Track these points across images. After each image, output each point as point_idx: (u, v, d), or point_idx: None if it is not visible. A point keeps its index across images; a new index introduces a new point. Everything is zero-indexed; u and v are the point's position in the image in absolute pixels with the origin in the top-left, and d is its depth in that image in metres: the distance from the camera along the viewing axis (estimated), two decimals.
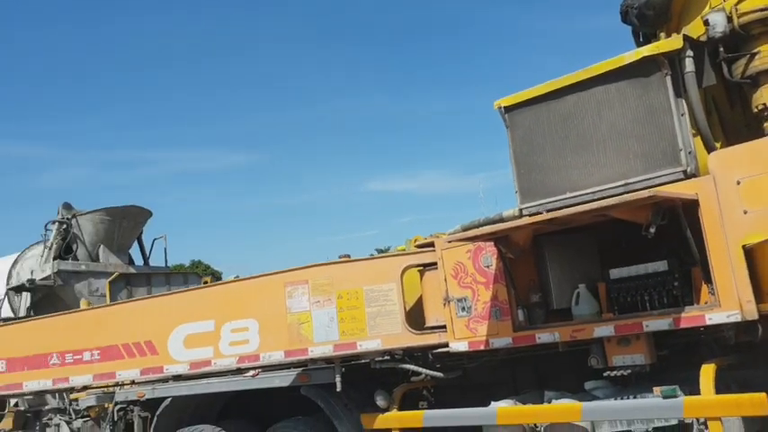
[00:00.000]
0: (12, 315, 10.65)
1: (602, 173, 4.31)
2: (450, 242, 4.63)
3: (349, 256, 5.33)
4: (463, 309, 4.77)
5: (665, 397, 3.89)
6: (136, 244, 12.31)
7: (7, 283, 11.11)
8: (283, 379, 5.77)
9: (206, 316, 5.41)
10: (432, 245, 5.09)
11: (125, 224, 11.59)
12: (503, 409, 4.54)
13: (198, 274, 13.92)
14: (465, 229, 4.86)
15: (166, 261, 12.29)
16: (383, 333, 4.92)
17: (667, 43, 4.18)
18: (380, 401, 5.19)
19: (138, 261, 12.22)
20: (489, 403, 4.73)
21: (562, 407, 4.35)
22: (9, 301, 10.95)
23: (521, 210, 4.63)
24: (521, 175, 4.65)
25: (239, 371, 5.94)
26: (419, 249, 5.20)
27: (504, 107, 4.72)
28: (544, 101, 4.58)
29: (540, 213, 4.32)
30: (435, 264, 4.99)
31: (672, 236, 4.05)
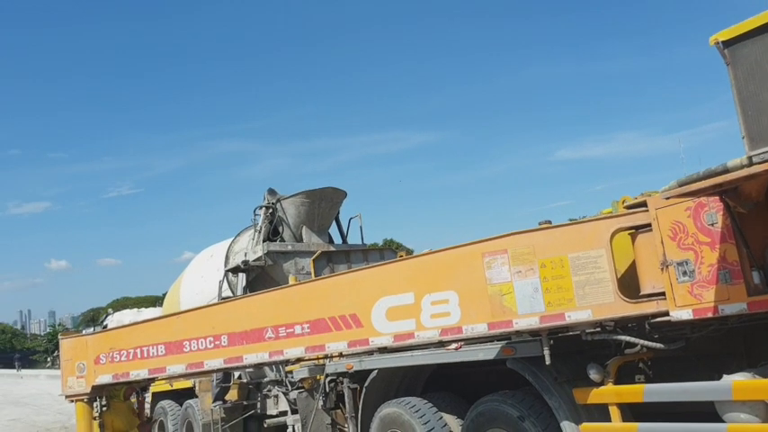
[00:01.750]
0: (231, 294, 11.54)
1: None
2: (667, 198, 4.17)
3: (550, 222, 5.02)
4: (685, 273, 4.29)
5: None
6: (334, 224, 12.77)
7: (225, 266, 12.05)
8: (487, 352, 5.63)
9: (405, 288, 5.39)
10: (643, 205, 4.64)
11: (323, 205, 12.06)
12: (740, 382, 4.03)
13: (393, 250, 14.16)
14: (682, 185, 4.35)
15: (362, 238, 12.63)
16: (594, 303, 4.57)
17: None
18: (594, 375, 4.86)
19: (337, 240, 12.69)
20: (719, 377, 4.24)
21: None
22: (227, 282, 11.86)
23: (750, 157, 4.04)
24: (748, 117, 4.04)
25: (441, 343, 5.90)
26: (629, 211, 4.76)
27: (723, 42, 4.12)
28: None
29: None
30: (648, 225, 4.54)
31: None
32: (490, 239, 5.02)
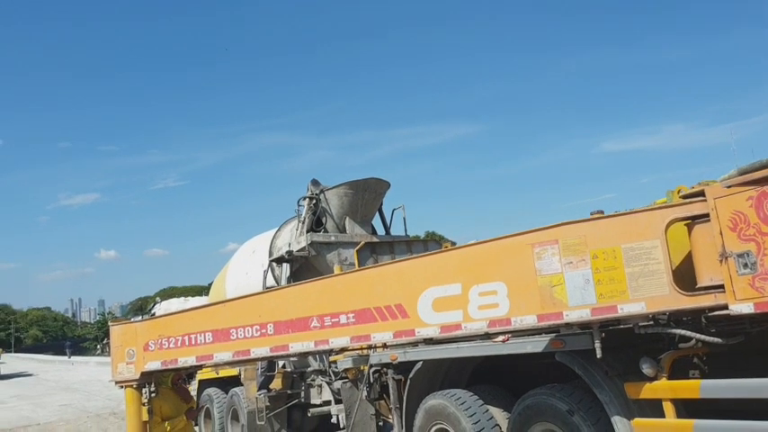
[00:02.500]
0: (275, 284, 11.62)
1: None
2: (728, 187, 4.01)
3: (602, 212, 4.89)
4: (745, 265, 4.12)
5: None
6: (377, 215, 12.73)
7: (269, 256, 12.14)
8: (536, 345, 5.54)
9: (452, 279, 5.31)
10: (700, 194, 4.47)
11: (366, 196, 12.02)
12: None
13: (437, 241, 14.06)
14: (743, 173, 4.19)
15: (406, 229, 12.55)
16: (647, 295, 4.44)
17: None
18: (647, 369, 4.73)
19: (380, 231, 12.66)
20: None
21: None
22: (272, 272, 11.95)
23: None
24: None
25: (487, 335, 5.82)
26: (685, 200, 4.61)
27: None
28: None
29: None
30: (706, 215, 4.38)
31: None
32: (540, 230, 4.91)
